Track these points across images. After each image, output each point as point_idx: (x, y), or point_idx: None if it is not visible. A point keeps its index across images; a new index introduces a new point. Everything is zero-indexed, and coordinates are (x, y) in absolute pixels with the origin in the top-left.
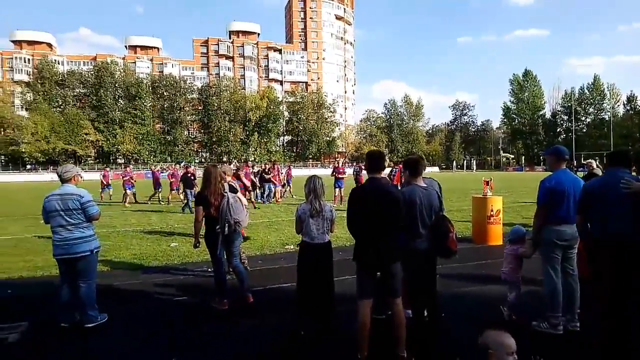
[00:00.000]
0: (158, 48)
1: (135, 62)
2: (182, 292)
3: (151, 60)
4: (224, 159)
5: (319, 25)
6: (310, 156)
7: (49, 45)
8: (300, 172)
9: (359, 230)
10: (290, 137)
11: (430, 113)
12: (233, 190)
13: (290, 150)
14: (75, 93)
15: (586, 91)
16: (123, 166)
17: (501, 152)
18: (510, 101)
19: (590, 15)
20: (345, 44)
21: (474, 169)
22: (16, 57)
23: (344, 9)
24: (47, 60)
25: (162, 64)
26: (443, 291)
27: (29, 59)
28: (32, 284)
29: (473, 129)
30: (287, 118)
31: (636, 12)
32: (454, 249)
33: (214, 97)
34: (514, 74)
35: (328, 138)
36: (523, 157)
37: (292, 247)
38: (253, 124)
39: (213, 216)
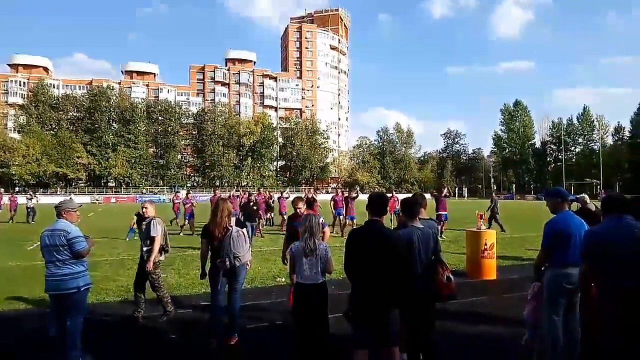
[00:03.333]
0: (154, 74)
1: (131, 87)
2: (171, 329)
3: (147, 85)
4: (217, 184)
5: (314, 54)
6: (303, 181)
7: (45, 69)
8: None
9: (355, 277)
10: (283, 162)
11: (422, 141)
12: (240, 225)
13: (283, 175)
14: (69, 116)
15: (575, 121)
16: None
17: (492, 180)
18: (501, 130)
19: (574, 48)
20: (339, 72)
21: (466, 196)
22: (12, 80)
23: (339, 39)
24: (43, 84)
25: (158, 89)
26: (437, 330)
27: (24, 82)
28: (13, 318)
29: (464, 157)
30: (280, 143)
31: (617, 47)
32: (445, 293)
33: (208, 122)
34: (505, 104)
35: (321, 164)
36: (514, 186)
37: (283, 279)
38: (247, 148)
39: (217, 249)
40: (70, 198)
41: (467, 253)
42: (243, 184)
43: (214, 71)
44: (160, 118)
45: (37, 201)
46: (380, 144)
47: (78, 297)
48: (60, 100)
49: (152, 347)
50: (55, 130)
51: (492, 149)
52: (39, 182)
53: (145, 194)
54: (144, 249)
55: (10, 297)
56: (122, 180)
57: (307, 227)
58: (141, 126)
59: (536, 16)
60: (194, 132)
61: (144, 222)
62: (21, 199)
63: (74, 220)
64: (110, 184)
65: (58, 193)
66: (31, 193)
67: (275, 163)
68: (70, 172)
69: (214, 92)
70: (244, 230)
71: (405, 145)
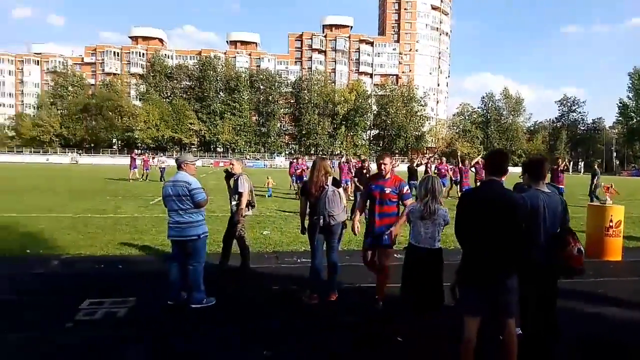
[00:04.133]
0: (256, 43)
1: (235, 57)
2: (276, 282)
3: (249, 55)
4: (312, 152)
5: (414, 16)
6: (397, 151)
7: (161, 40)
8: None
9: (470, 240)
10: (377, 131)
11: (532, 109)
12: (336, 184)
13: (376, 144)
14: (182, 85)
15: None
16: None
17: (614, 155)
18: (628, 97)
19: None
20: (440, 34)
21: (582, 171)
22: (132, 52)
23: None
24: (159, 55)
25: (260, 58)
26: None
27: (143, 53)
28: (140, 261)
29: (582, 127)
30: (375, 112)
31: None
32: (575, 266)
33: (305, 91)
34: (634, 67)
35: (417, 133)
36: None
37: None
38: (341, 117)
39: (314, 206)
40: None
41: (587, 230)
42: (336, 152)
43: (311, 38)
44: (262, 87)
45: (168, 164)
46: (485, 111)
47: (198, 244)
48: (174, 70)
49: (255, 297)
50: (170, 98)
51: (616, 117)
52: (158, 146)
53: (248, 159)
54: (232, 203)
55: (136, 244)
56: (228, 146)
57: (428, 190)
58: (245, 95)
59: None
60: (292, 101)
61: (232, 179)
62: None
63: (192, 172)
64: (218, 149)
65: (174, 156)
66: (162, 155)
67: (368, 132)
68: (185, 137)
69: (311, 60)
70: (340, 189)
71: (513, 113)
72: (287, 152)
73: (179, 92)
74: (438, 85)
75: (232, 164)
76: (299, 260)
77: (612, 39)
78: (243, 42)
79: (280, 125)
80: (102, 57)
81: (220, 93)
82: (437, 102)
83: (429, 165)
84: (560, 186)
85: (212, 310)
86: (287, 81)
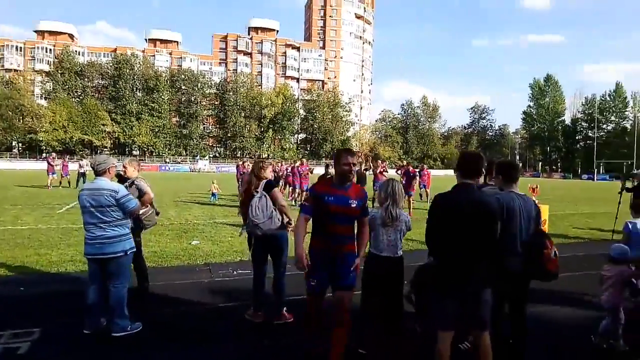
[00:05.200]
0: (177, 42)
1: (154, 56)
2: (212, 298)
3: (170, 54)
4: (238, 155)
5: (339, 23)
6: (324, 155)
7: (71, 36)
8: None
9: (444, 247)
10: (305, 135)
11: (445, 116)
12: (269, 188)
13: (304, 148)
14: (94, 84)
15: (607, 98)
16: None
17: (517, 158)
18: (529, 106)
19: (605, 21)
20: (363, 43)
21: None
22: (38, 47)
23: (364, 7)
24: (69, 51)
25: (181, 58)
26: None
27: (50, 49)
28: (46, 281)
29: (491, 133)
30: (302, 116)
31: None
32: (553, 271)
33: (230, 93)
34: (534, 79)
35: (342, 137)
36: (540, 164)
37: None
38: (268, 120)
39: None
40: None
41: None
42: (264, 156)
43: (236, 40)
44: (183, 87)
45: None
46: (404, 117)
47: (124, 261)
48: (85, 67)
49: (189, 318)
50: (80, 97)
51: (521, 124)
52: (65, 149)
53: (168, 162)
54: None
55: (41, 261)
56: (145, 149)
57: (389, 194)
58: (165, 95)
59: None
60: (216, 103)
61: (126, 183)
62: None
63: (111, 178)
64: (134, 152)
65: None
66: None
67: (296, 135)
68: (96, 139)
69: (237, 62)
70: (275, 191)
71: (430, 119)
72: (211, 156)
73: (90, 91)
74: (362, 92)
75: (125, 167)
76: (235, 272)
77: (515, 53)
78: (163, 41)
79: (204, 127)
80: (2, 51)
81: (138, 93)
82: (361, 107)
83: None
84: None
85: (139, 338)
86: (211, 82)
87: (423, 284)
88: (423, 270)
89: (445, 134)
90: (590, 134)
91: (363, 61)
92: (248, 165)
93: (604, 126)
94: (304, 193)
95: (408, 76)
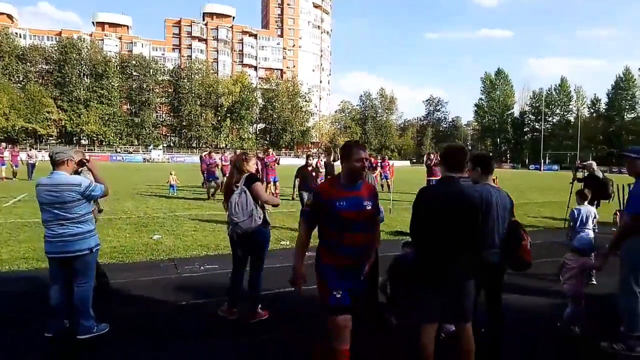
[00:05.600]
0: (127, 26)
1: (103, 40)
2: (180, 295)
3: (120, 38)
4: (194, 145)
5: (296, 12)
6: (284, 145)
7: (10, 17)
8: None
9: (428, 239)
10: (263, 125)
11: (401, 107)
12: (249, 181)
13: (263, 138)
14: (37, 69)
15: (553, 92)
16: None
17: (470, 149)
18: (480, 99)
19: (550, 18)
20: (322, 33)
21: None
22: None
23: None
24: (8, 33)
25: (132, 43)
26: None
27: None
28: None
29: (445, 125)
30: (261, 105)
31: (593, 19)
32: (529, 260)
33: (185, 80)
34: (486, 73)
35: (302, 127)
36: (491, 154)
37: (287, 243)
38: (225, 109)
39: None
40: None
41: None
42: (221, 146)
43: (190, 26)
44: (134, 74)
45: (38, 159)
46: (363, 109)
47: (89, 258)
48: (27, 51)
49: (159, 317)
50: (23, 83)
51: (473, 116)
52: (7, 138)
53: (119, 152)
54: None
55: None
56: (95, 138)
57: None
58: (114, 82)
59: None
60: (170, 90)
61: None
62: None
63: (70, 172)
64: (83, 142)
65: (28, 150)
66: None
67: (255, 125)
68: (41, 127)
69: (191, 48)
70: (256, 185)
71: (387, 111)
72: (164, 145)
73: (33, 76)
74: (320, 82)
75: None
76: (201, 267)
77: (467, 46)
78: (112, 25)
79: (157, 115)
80: None
81: (85, 79)
82: (320, 98)
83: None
84: (438, 177)
85: (106, 340)
86: (164, 69)
87: (399, 275)
88: (399, 262)
89: (402, 125)
90: (537, 126)
91: (322, 51)
92: (213, 156)
93: (550, 119)
94: (270, 185)
95: (365, 67)
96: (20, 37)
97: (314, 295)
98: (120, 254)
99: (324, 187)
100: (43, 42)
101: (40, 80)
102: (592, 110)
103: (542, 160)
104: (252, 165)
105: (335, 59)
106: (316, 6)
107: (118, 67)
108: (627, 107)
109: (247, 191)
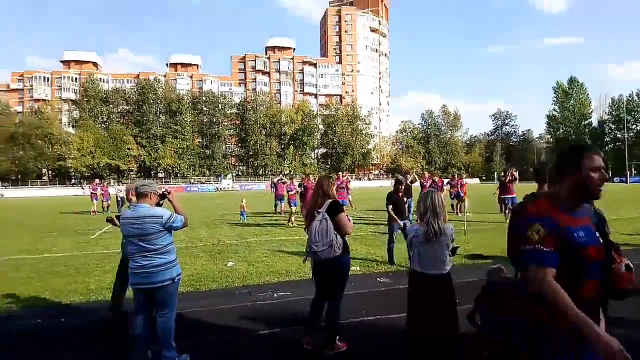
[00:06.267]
0: (197, 65)
1: (175, 79)
2: (256, 323)
3: (191, 77)
4: (260, 172)
5: (354, 38)
6: (345, 168)
7: (95, 64)
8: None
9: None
10: (325, 150)
11: (466, 124)
12: (333, 210)
13: (324, 162)
14: (119, 110)
15: (635, 98)
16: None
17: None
18: (554, 109)
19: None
20: (379, 55)
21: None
22: (64, 76)
23: (379, 21)
24: (93, 78)
25: (202, 80)
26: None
27: (76, 78)
28: (86, 310)
29: (515, 139)
30: (321, 131)
31: None
32: (629, 288)
33: (250, 112)
34: (557, 82)
35: (363, 150)
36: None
37: (357, 268)
38: (288, 137)
39: None
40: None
41: None
42: (286, 172)
43: (254, 60)
44: (205, 109)
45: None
46: (425, 127)
47: (172, 289)
48: (109, 93)
49: (240, 346)
50: (106, 123)
51: (545, 129)
52: (94, 174)
53: (193, 183)
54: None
55: (79, 289)
56: (170, 171)
57: (428, 207)
58: (187, 117)
59: None
60: (237, 122)
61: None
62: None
63: (152, 204)
64: (160, 175)
65: (112, 184)
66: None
67: (316, 150)
68: (122, 163)
69: (255, 82)
70: (342, 216)
71: (451, 128)
72: (234, 174)
73: (115, 116)
74: (380, 104)
75: (133, 195)
76: (275, 294)
77: (532, 57)
78: (184, 65)
79: (226, 147)
80: (31, 82)
81: (161, 116)
82: (380, 119)
83: (424, 181)
84: (512, 195)
85: None
86: (231, 102)
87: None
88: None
89: (468, 142)
90: (619, 135)
91: (380, 73)
92: (294, 182)
93: (633, 126)
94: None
95: (425, 86)
96: (103, 81)
97: (391, 324)
98: (197, 281)
99: (544, 207)
100: (123, 84)
101: (122, 120)
102: None
103: (628, 172)
104: (331, 190)
105: (393, 79)
106: (373, 30)
107: (190, 104)
108: None
109: (329, 219)
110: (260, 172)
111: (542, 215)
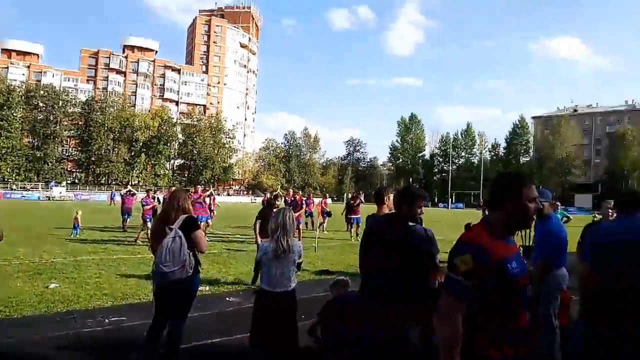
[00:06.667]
0: (38, 55)
1: (7, 67)
2: (79, 355)
3: (28, 67)
4: (103, 181)
5: (223, 50)
6: (203, 182)
7: None
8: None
9: None
10: (182, 161)
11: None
12: (188, 226)
13: (180, 174)
14: None
15: (460, 136)
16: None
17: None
18: (396, 141)
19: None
20: (248, 72)
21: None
22: None
23: (249, 38)
24: None
25: (42, 72)
26: None
27: None
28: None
29: (364, 164)
30: (180, 140)
31: (489, 71)
32: None
33: (98, 113)
34: (401, 117)
35: (225, 164)
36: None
37: (207, 287)
38: (141, 144)
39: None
40: None
41: None
42: (133, 183)
43: (109, 57)
44: (41, 104)
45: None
46: (287, 147)
47: None
48: None
49: None
50: None
51: (388, 157)
52: None
53: (15, 190)
54: None
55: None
56: None
57: (279, 224)
58: (17, 112)
59: (425, 36)
60: (80, 123)
61: None
62: None
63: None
64: None
65: None
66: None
67: (172, 161)
68: None
69: (107, 80)
70: (197, 233)
71: (311, 150)
72: (69, 182)
73: None
74: (245, 119)
75: None
76: (106, 320)
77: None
78: (20, 52)
79: (63, 149)
80: None
81: None
82: (245, 135)
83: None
84: (358, 216)
85: None
86: (75, 100)
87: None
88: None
89: (324, 164)
90: (445, 167)
91: (247, 89)
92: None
93: (457, 160)
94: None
95: (289, 108)
96: None
97: (237, 344)
98: (7, 307)
99: (482, 237)
100: None
101: None
102: (493, 154)
103: (450, 199)
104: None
105: (260, 98)
106: (243, 46)
107: (23, 97)
108: (522, 151)
109: (183, 236)
110: (103, 181)
111: (476, 242)
